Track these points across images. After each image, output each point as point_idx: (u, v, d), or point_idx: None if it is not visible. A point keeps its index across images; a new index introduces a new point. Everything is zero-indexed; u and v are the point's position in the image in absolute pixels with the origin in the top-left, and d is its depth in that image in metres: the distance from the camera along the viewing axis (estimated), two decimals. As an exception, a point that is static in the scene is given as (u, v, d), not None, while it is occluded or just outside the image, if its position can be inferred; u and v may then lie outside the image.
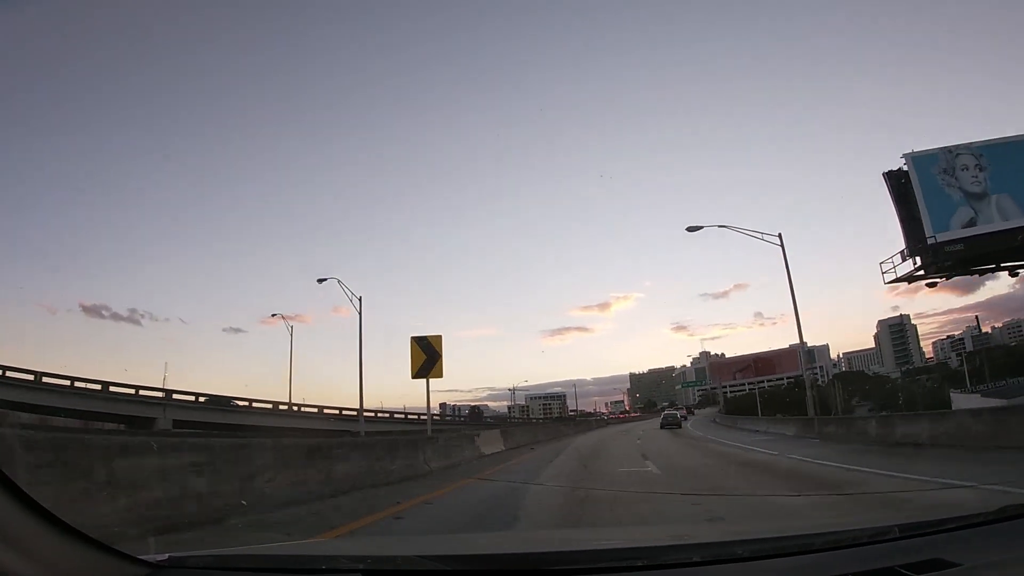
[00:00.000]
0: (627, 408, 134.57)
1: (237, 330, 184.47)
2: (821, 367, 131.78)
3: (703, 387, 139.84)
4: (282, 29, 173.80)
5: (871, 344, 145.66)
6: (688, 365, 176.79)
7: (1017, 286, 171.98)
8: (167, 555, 1.52)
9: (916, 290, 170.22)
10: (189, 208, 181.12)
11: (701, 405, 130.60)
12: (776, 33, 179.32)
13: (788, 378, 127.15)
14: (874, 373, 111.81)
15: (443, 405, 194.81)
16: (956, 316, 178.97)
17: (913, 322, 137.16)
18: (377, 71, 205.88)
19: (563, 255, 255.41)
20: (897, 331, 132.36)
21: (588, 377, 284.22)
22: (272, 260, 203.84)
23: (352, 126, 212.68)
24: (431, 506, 7.21)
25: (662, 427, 38.26)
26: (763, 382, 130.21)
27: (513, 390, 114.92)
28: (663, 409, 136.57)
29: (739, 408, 66.76)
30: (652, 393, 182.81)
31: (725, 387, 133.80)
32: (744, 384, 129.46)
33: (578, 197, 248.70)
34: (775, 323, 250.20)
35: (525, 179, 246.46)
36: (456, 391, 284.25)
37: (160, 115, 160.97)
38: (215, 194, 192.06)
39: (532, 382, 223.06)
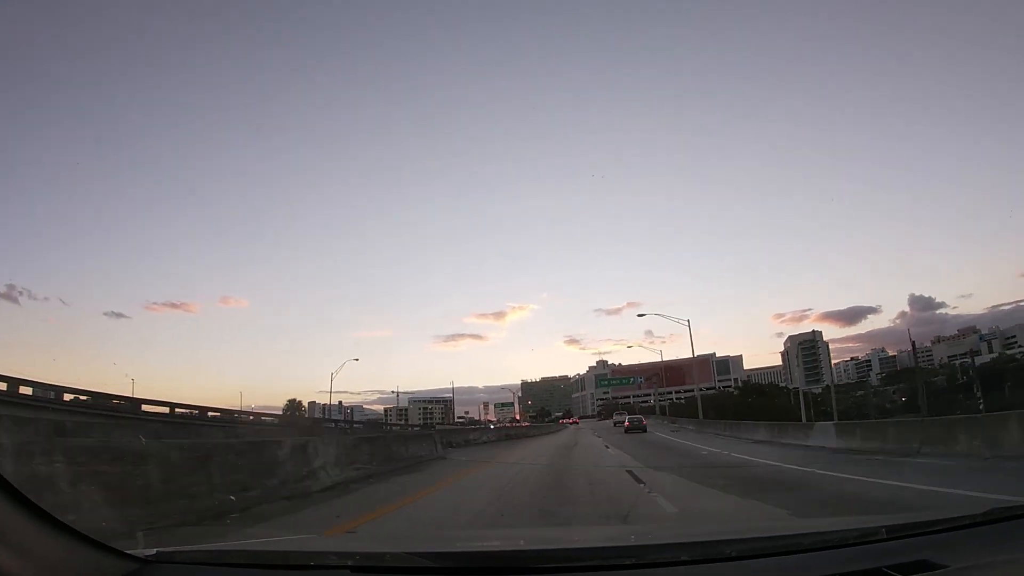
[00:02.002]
0: (517, 416, 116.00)
1: (119, 315, 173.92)
2: (736, 379, 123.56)
3: (608, 396, 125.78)
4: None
5: (768, 363, 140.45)
6: (583, 373, 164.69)
7: (897, 321, 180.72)
8: (155, 550, 1.52)
9: (800, 319, 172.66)
10: (78, 180, 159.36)
11: (605, 415, 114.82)
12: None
13: (702, 389, 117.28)
14: (795, 388, 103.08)
15: (312, 404, 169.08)
16: (838, 345, 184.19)
17: (826, 340, 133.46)
18: (277, 61, 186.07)
19: (462, 262, 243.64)
20: (809, 348, 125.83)
21: (480, 385, 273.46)
22: (161, 245, 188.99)
23: (248, 116, 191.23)
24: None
25: (627, 432, 36.72)
26: (671, 393, 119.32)
27: (397, 392, 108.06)
28: (557, 419, 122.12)
29: (683, 414, 53.22)
30: (545, 402, 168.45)
31: (629, 397, 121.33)
32: (649, 394, 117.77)
33: (482, 206, 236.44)
34: (664, 342, 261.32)
35: (428, 184, 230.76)
36: (347, 392, 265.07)
37: (47, 86, 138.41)
38: (105, 168, 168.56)
39: (424, 387, 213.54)
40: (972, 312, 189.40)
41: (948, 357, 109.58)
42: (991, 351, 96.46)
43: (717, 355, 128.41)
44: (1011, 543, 1.55)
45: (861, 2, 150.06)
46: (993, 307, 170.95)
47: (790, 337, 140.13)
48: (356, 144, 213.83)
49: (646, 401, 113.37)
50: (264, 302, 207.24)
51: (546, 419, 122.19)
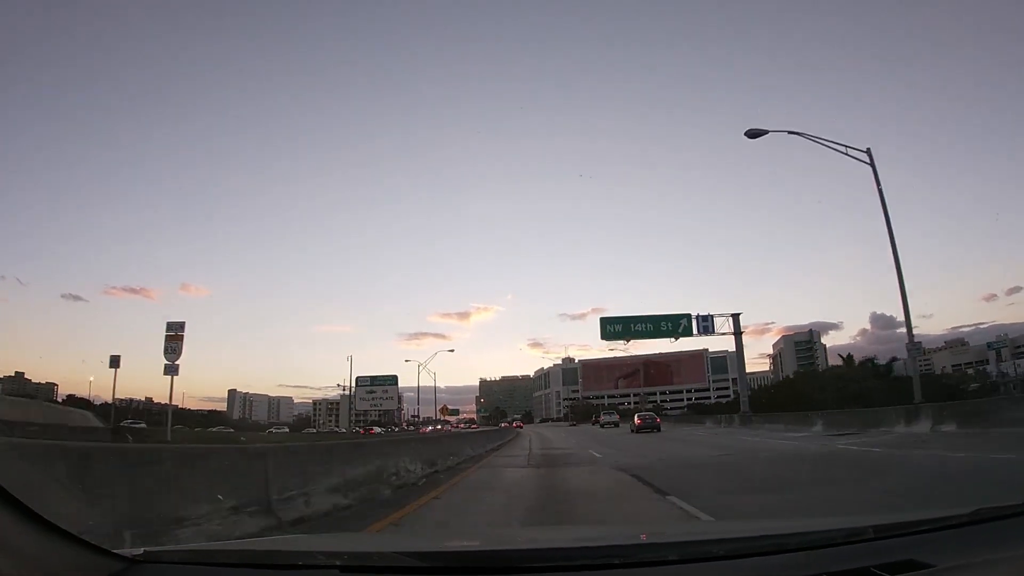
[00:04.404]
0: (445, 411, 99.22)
1: (77, 297, 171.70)
2: (733, 379, 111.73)
3: (577, 396, 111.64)
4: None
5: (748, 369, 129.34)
6: (548, 367, 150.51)
7: (857, 338, 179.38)
8: (142, 549, 1.51)
9: (763, 332, 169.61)
10: (36, 157, 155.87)
11: (576, 417, 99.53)
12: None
13: (695, 390, 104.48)
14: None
15: (231, 391, 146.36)
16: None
17: (823, 341, 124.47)
18: (244, 53, 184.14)
19: (427, 260, 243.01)
20: (804, 348, 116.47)
21: (442, 384, 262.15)
22: (122, 227, 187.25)
23: (216, 106, 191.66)
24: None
25: (638, 431, 32.95)
26: (656, 393, 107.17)
27: (344, 387, 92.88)
28: (512, 422, 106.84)
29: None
30: (504, 402, 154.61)
31: (603, 396, 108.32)
32: (629, 394, 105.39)
33: (449, 206, 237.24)
34: (626, 349, 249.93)
35: (395, 181, 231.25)
36: (306, 387, 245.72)
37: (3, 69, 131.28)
38: (66, 147, 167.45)
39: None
40: (932, 332, 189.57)
41: (952, 366, 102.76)
42: (1000, 359, 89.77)
43: (710, 351, 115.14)
44: (998, 543, 1.53)
45: (829, 25, 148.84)
46: (953, 328, 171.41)
47: (783, 337, 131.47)
48: (325, 139, 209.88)
49: (622, 404, 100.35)
50: (226, 291, 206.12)
51: (501, 422, 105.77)
